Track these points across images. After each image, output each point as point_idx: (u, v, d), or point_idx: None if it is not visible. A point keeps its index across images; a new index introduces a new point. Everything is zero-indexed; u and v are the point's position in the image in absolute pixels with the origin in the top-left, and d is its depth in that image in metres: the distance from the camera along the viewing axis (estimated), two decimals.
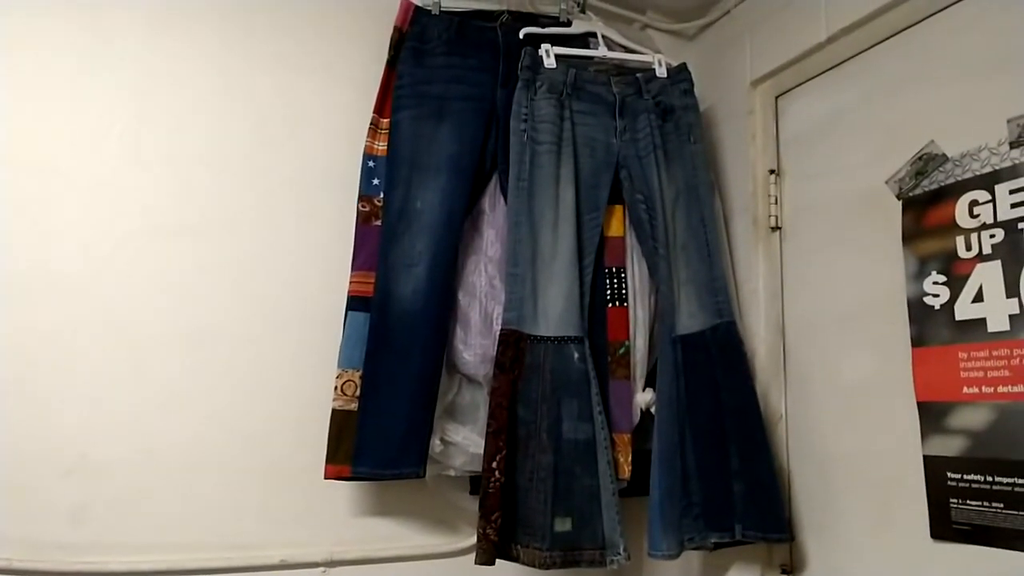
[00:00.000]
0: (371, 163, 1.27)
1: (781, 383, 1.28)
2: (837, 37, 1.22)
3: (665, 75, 1.38)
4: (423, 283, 1.20)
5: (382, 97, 1.30)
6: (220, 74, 1.26)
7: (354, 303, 1.20)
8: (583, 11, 1.46)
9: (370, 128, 1.28)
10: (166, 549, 1.08)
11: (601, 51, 1.38)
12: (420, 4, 1.34)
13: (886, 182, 1.11)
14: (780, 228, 1.33)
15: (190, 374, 1.16)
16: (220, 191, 1.23)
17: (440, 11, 1.35)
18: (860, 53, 1.20)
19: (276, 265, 1.25)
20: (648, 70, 1.38)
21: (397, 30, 1.32)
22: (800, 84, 1.32)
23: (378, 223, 1.24)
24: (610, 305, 1.25)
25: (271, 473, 1.17)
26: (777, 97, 1.38)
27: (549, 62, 1.31)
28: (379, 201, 1.25)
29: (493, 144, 1.29)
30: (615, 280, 1.26)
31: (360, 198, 1.25)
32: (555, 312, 1.18)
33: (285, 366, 1.22)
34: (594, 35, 1.41)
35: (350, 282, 1.21)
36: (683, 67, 1.38)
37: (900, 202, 1.09)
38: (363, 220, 1.25)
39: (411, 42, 1.32)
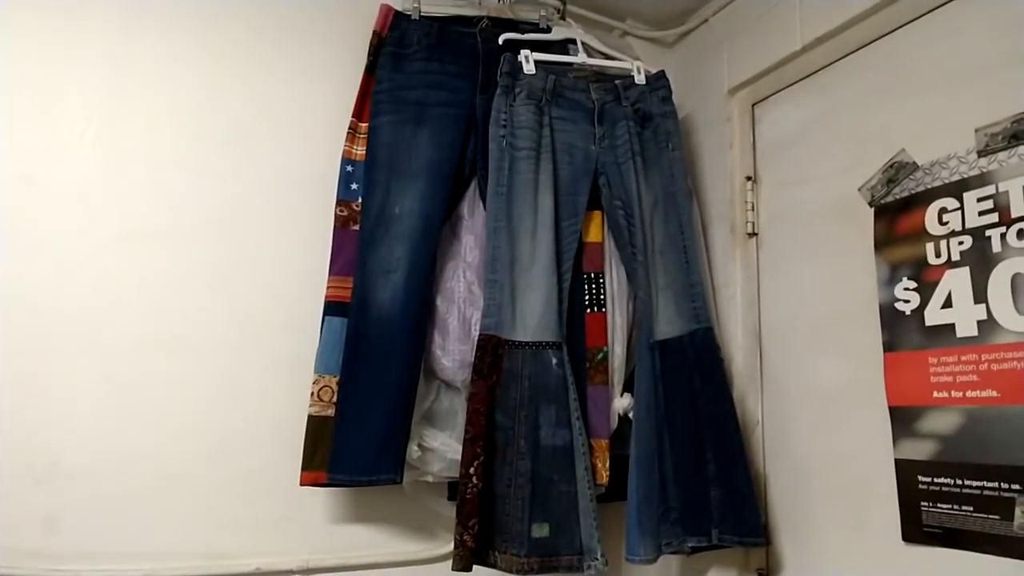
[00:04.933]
0: (349, 168, 1.27)
1: (758, 389, 1.30)
2: (812, 46, 1.24)
3: (644, 82, 1.39)
4: (401, 289, 1.19)
5: (360, 102, 1.30)
6: (196, 78, 1.25)
7: (331, 308, 1.19)
8: (563, 18, 1.47)
9: (348, 133, 1.28)
10: (140, 557, 1.07)
11: (581, 57, 1.38)
12: (400, 9, 1.34)
13: (859, 189, 1.13)
14: (757, 234, 1.34)
15: (165, 380, 1.14)
16: (196, 195, 1.22)
17: (420, 16, 1.35)
18: (834, 63, 1.22)
19: (252, 270, 1.24)
20: (627, 77, 1.39)
21: (376, 35, 1.32)
22: (776, 92, 1.34)
23: (356, 228, 1.23)
24: (588, 311, 1.25)
25: (247, 480, 1.16)
26: (754, 105, 1.39)
27: (528, 68, 1.31)
28: (357, 206, 1.25)
29: (472, 150, 1.30)
30: (593, 286, 1.26)
31: (338, 203, 1.25)
32: (533, 318, 1.18)
33: (261, 372, 1.21)
34: (574, 42, 1.41)
35: (327, 287, 1.20)
36: (661, 74, 1.40)
37: (872, 209, 1.10)
38: (341, 225, 1.24)
39: (390, 47, 1.32)
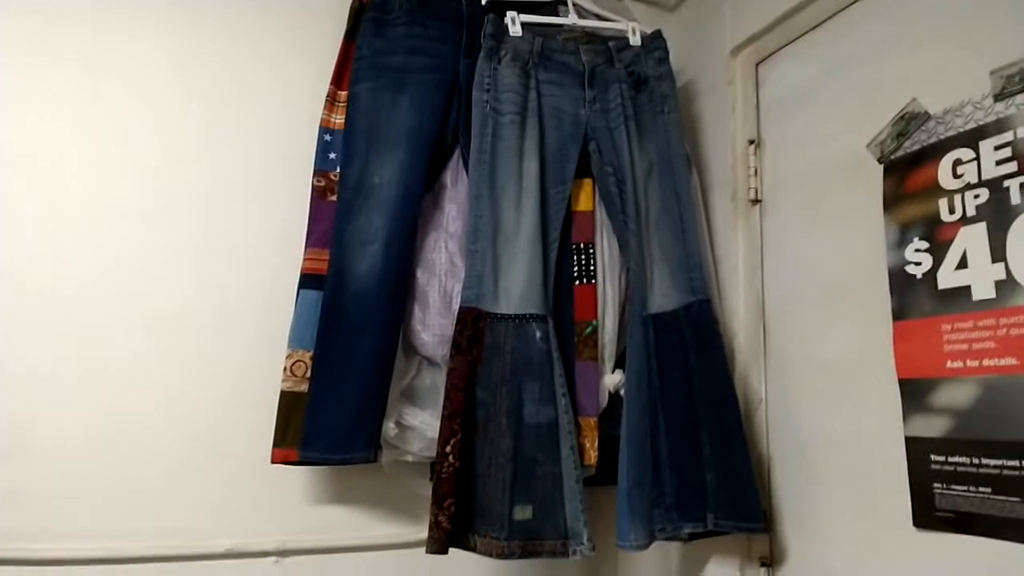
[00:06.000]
0: (327, 137, 1.22)
1: (761, 366, 1.21)
2: None
3: (639, 43, 1.31)
4: (379, 260, 1.14)
5: (339, 69, 1.25)
6: (172, 49, 1.22)
7: (307, 281, 1.15)
8: None
9: (327, 101, 1.23)
10: (106, 536, 1.04)
11: (571, 19, 1.31)
12: None
13: (867, 146, 1.04)
14: (760, 201, 1.26)
15: (136, 356, 1.11)
16: (171, 170, 1.19)
17: None
18: (841, 11, 1.13)
19: (230, 245, 1.20)
20: (621, 38, 1.32)
21: (357, 1, 1.27)
22: (781, 48, 1.25)
23: (334, 199, 1.19)
24: (577, 283, 1.18)
25: (222, 458, 1.13)
26: (757, 64, 1.31)
27: (514, 30, 1.25)
28: (335, 176, 1.20)
29: (455, 117, 1.24)
30: (583, 257, 1.20)
31: (315, 173, 1.20)
32: (517, 290, 1.12)
33: (238, 348, 1.17)
34: (564, 2, 1.34)
35: (304, 260, 1.16)
36: (657, 34, 1.32)
37: (881, 167, 1.01)
38: (318, 196, 1.19)
39: (372, 12, 1.27)
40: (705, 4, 1.43)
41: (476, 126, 1.18)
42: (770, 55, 1.28)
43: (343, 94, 1.24)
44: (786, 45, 1.24)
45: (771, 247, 1.23)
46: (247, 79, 1.26)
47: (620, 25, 1.34)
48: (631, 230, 1.19)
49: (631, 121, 1.24)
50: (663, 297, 1.19)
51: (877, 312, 0.98)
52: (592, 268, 1.19)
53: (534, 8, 1.31)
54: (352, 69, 1.24)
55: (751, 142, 1.27)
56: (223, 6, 1.26)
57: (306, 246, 1.17)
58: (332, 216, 1.17)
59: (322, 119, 1.23)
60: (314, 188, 1.20)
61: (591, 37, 1.31)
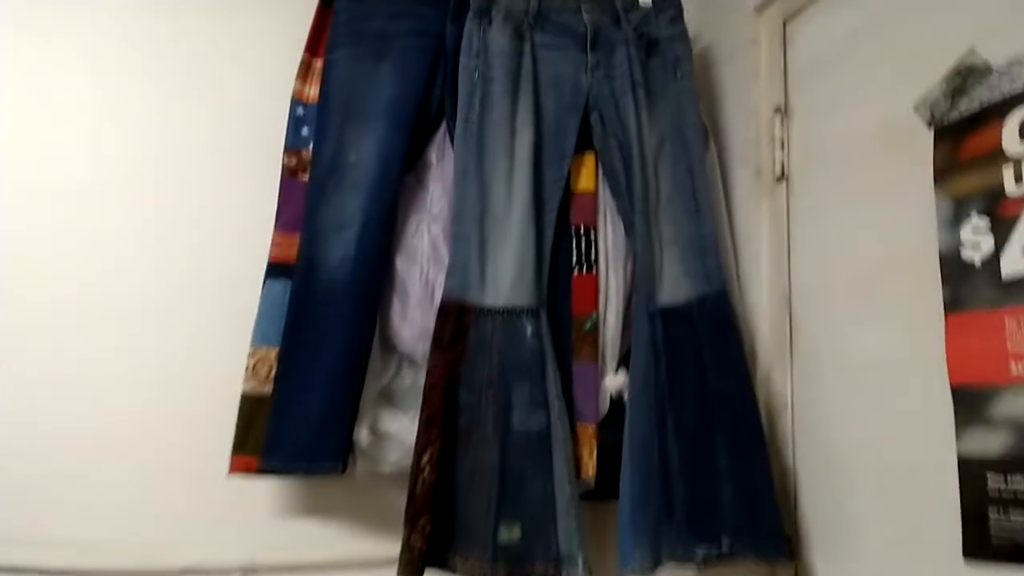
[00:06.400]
0: (300, 110, 1.11)
1: (787, 365, 1.06)
2: None
3: (649, 3, 1.17)
4: (354, 247, 1.02)
5: (315, 35, 1.13)
6: (136, 12, 1.11)
7: (274, 270, 1.03)
8: None
9: (300, 70, 1.12)
10: (47, 545, 0.94)
11: None
12: None
13: (915, 108, 0.88)
14: (787, 178, 1.10)
15: (89, 355, 1.02)
16: (129, 144, 1.09)
17: None
18: None
19: (193, 229, 1.10)
20: None
21: None
22: (813, 2, 1.09)
23: (306, 178, 1.07)
24: (576, 272, 1.05)
25: (184, 466, 1.03)
26: (786, 22, 1.15)
27: None
28: (307, 153, 1.09)
29: (441, 86, 1.11)
30: (583, 242, 1.06)
31: (286, 150, 1.09)
32: (506, 279, 0.99)
33: (203, 344, 1.07)
34: None
35: (271, 246, 1.05)
36: None
37: (932, 132, 0.85)
38: (288, 175, 1.08)
39: None
40: None
41: (463, 95, 1.06)
42: (800, 10, 1.12)
43: (318, 63, 1.13)
44: (815, 2, 1.08)
45: (800, 229, 1.08)
46: (215, 39, 1.15)
47: None
48: (638, 211, 1.05)
49: (640, 88, 1.10)
50: (674, 287, 1.05)
51: (926, 304, 0.83)
52: (593, 255, 1.06)
53: None
54: (329, 35, 1.12)
55: (777, 110, 1.12)
56: None
57: (274, 231, 1.05)
58: (303, 198, 1.06)
59: (295, 90, 1.11)
60: (284, 166, 1.08)
61: None
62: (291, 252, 1.03)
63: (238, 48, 1.17)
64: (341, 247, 1.03)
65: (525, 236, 1.01)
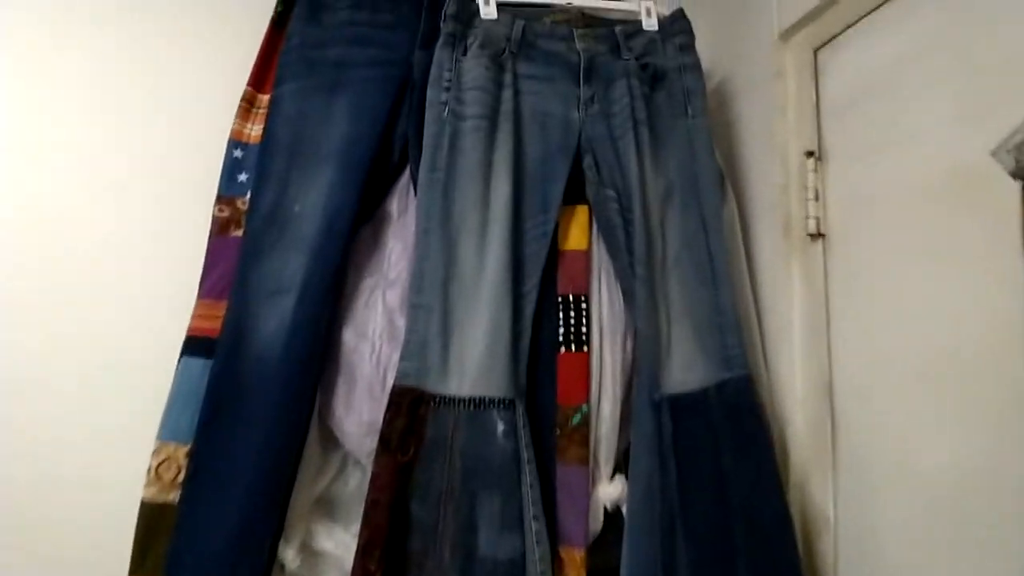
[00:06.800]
0: (238, 152, 0.94)
1: (828, 472, 0.85)
2: None
3: (655, 28, 0.99)
4: (290, 317, 0.84)
5: (261, 66, 0.97)
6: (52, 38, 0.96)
7: (193, 346, 0.85)
8: None
9: (241, 107, 0.96)
10: None
11: None
12: None
13: (992, 153, 0.68)
14: (824, 235, 0.90)
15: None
16: (43, 190, 0.92)
17: None
18: None
19: (109, 293, 0.93)
20: (631, 22, 1.00)
21: None
22: (851, 26, 0.91)
23: (239, 233, 0.90)
24: (563, 350, 0.85)
25: None
26: (817, 51, 0.97)
27: (487, 11, 0.95)
28: (243, 203, 0.91)
29: (405, 123, 0.94)
30: (571, 313, 0.87)
31: (218, 199, 0.92)
32: (474, 361, 0.80)
33: (108, 435, 0.88)
34: None
35: (192, 316, 0.86)
36: (679, 14, 1.00)
37: (1019, 182, 0.66)
38: (219, 229, 0.91)
39: None
40: None
41: (430, 135, 0.88)
42: (833, 38, 0.94)
43: (264, 98, 0.96)
44: (856, 22, 0.90)
45: (841, 298, 0.88)
46: (151, 70, 1.00)
47: (630, 5, 1.02)
48: (640, 276, 0.85)
49: (642, 127, 0.92)
50: (684, 370, 0.85)
51: (1015, 399, 0.62)
52: (584, 329, 0.86)
53: None
54: (278, 65, 0.96)
55: (809, 154, 0.93)
56: None
57: (197, 296, 0.87)
58: (235, 257, 0.88)
59: (233, 130, 0.95)
60: (215, 220, 0.91)
61: (591, 19, 1.00)
62: (215, 323, 0.85)
63: (183, 81, 1.01)
64: (276, 316, 0.84)
65: (499, 306, 0.81)
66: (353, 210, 0.88)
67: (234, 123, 0.94)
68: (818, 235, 0.90)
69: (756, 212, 0.98)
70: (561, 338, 0.85)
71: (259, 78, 0.97)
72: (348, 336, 0.86)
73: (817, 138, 0.93)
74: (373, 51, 0.96)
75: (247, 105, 0.96)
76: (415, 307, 0.82)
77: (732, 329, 0.85)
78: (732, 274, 0.89)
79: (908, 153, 0.80)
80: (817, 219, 0.90)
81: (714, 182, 0.92)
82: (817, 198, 0.90)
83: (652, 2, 1.02)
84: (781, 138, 0.96)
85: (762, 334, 0.91)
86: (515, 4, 0.97)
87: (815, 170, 0.91)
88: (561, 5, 0.99)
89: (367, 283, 0.88)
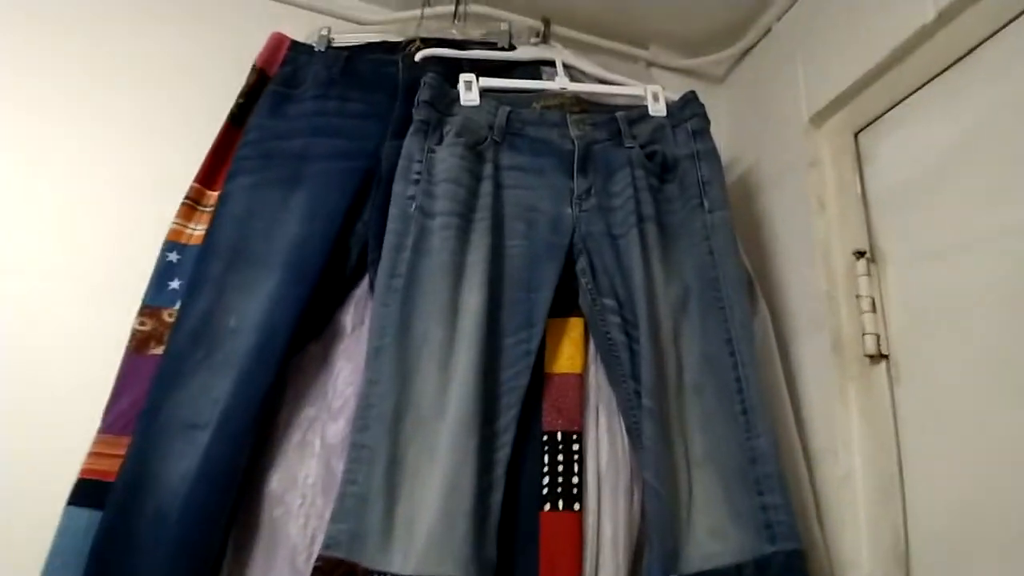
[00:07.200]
0: (174, 256, 0.80)
1: None
2: (955, 12, 0.67)
3: (663, 113, 0.86)
4: (200, 461, 0.66)
5: (213, 162, 0.85)
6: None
7: (80, 493, 0.67)
8: (545, 42, 1.00)
9: (184, 204, 0.83)
10: None
11: (559, 83, 0.88)
12: (304, 40, 0.94)
13: None
14: (887, 356, 0.71)
15: None
16: None
17: (328, 48, 0.93)
18: (1002, 28, 0.63)
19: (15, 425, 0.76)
20: (635, 107, 0.87)
21: (258, 72, 0.90)
22: (898, 103, 0.76)
23: (160, 351, 0.74)
24: (548, 507, 0.65)
25: None
26: (858, 134, 0.81)
27: (469, 97, 0.83)
28: (171, 315, 0.76)
29: (366, 222, 0.80)
30: (561, 457, 0.67)
31: (141, 310, 0.77)
32: (426, 527, 0.60)
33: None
34: (550, 64, 0.93)
35: (87, 454, 0.69)
36: (691, 98, 0.86)
37: None
38: (136, 346, 0.75)
39: (275, 85, 0.89)
40: (766, 62, 0.99)
41: (392, 233, 0.74)
42: (876, 119, 0.79)
43: (213, 195, 0.84)
44: (908, 97, 0.75)
45: (916, 437, 0.67)
46: (89, 168, 0.88)
47: (633, 89, 0.90)
48: (649, 409, 0.66)
49: (649, 223, 0.76)
50: (711, 539, 0.63)
51: None
52: (577, 480, 0.66)
53: (500, 71, 0.90)
54: (233, 159, 0.85)
55: (859, 255, 0.75)
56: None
57: (97, 431, 0.71)
58: (149, 380, 0.72)
59: (171, 230, 0.81)
60: (133, 334, 0.76)
61: (588, 104, 0.87)
62: (115, 465, 0.68)
63: (130, 177, 0.90)
64: (188, 457, 0.67)
65: (463, 452, 0.63)
66: (292, 325, 0.72)
67: (173, 223, 0.82)
68: (879, 356, 0.70)
69: (795, 326, 0.79)
70: (545, 491, 0.65)
71: (209, 174, 0.85)
72: (274, 484, 0.67)
73: (867, 236, 0.76)
74: (339, 142, 0.85)
75: (191, 203, 0.83)
76: (357, 449, 0.63)
77: (774, 483, 0.64)
78: (772, 405, 0.69)
79: (991, 251, 0.62)
80: (877, 336, 0.71)
81: (740, 287, 0.74)
82: (874, 309, 0.72)
83: (658, 87, 0.89)
84: (822, 235, 0.79)
85: (814, 489, 0.69)
86: (501, 90, 0.86)
87: (868, 274, 0.73)
88: (554, 90, 0.87)
89: (305, 415, 0.71)
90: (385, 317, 0.69)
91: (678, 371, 0.70)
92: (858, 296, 0.73)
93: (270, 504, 0.66)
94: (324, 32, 0.95)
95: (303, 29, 0.96)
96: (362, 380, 0.67)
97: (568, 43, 1.01)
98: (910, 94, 0.75)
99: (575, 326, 0.73)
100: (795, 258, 0.83)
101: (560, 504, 0.65)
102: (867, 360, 0.71)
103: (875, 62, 0.76)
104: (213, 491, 0.65)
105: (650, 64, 1.10)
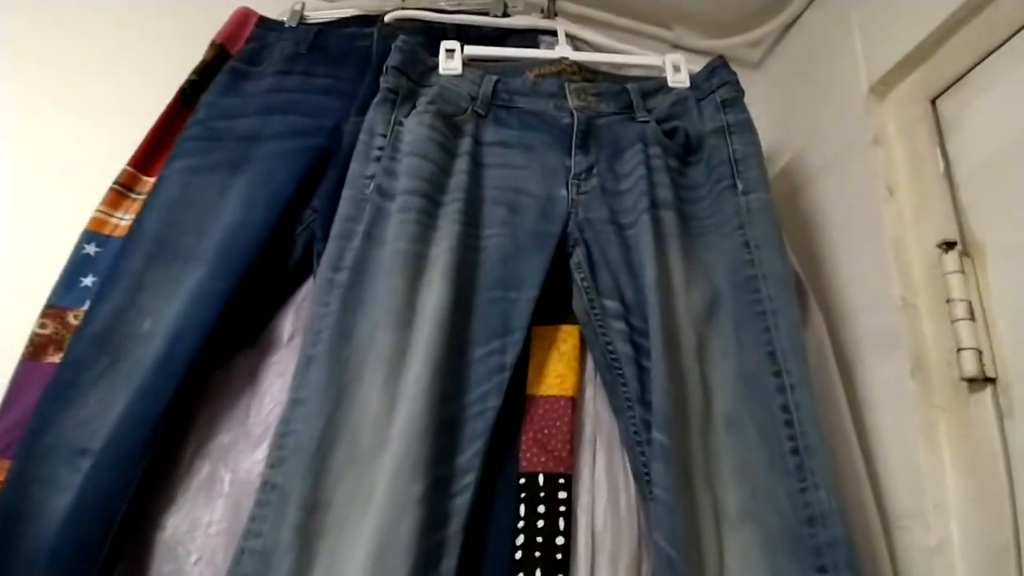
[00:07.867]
0: (91, 249, 0.67)
1: None
2: None
3: (685, 84, 0.70)
4: (75, 493, 0.51)
5: (151, 144, 0.73)
6: None
7: None
8: (550, 18, 0.86)
9: (113, 190, 0.70)
10: None
11: (559, 51, 0.74)
12: (275, 16, 0.83)
13: None
14: (994, 379, 0.52)
15: None
16: None
17: (300, 23, 0.82)
18: None
19: None
20: (650, 79, 0.72)
21: (217, 48, 0.79)
22: (985, 58, 0.59)
23: (57, 359, 0.60)
24: None
25: None
26: (935, 100, 0.64)
27: (449, 66, 0.69)
28: (77, 318, 0.63)
29: (314, 209, 0.66)
30: (542, 509, 0.50)
31: (44, 311, 0.64)
32: None
33: None
34: (551, 33, 0.79)
35: None
36: (720, 65, 0.70)
37: None
38: (32, 353, 0.62)
39: (235, 63, 0.78)
40: (813, 33, 0.82)
41: (340, 219, 0.59)
42: (959, 79, 0.62)
43: (148, 182, 0.71)
44: (995, 50, 0.58)
45: None
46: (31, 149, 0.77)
47: (649, 59, 0.75)
48: (663, 447, 0.49)
49: (666, 210, 0.60)
50: None
51: None
52: (562, 541, 0.48)
53: (494, 40, 0.77)
54: (177, 140, 0.72)
55: (948, 246, 0.57)
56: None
57: None
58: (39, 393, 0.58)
59: (92, 219, 0.69)
60: (31, 340, 0.62)
61: (592, 73, 0.72)
62: None
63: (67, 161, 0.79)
64: (74, 488, 0.52)
65: (402, 498, 0.46)
66: (207, 329, 0.57)
67: (96, 211, 0.69)
68: (983, 379, 0.51)
69: (860, 345, 0.61)
70: (519, 555, 0.48)
71: (146, 157, 0.72)
72: (168, 532, 0.52)
73: (956, 223, 0.58)
74: (294, 119, 0.72)
75: (121, 189, 0.70)
76: (266, 489, 0.48)
77: (840, 555, 0.45)
78: (832, 444, 0.51)
79: None
80: (978, 352, 0.52)
81: (786, 288, 0.56)
82: (972, 316, 0.53)
83: (681, 56, 0.74)
84: (892, 227, 0.61)
85: (895, 566, 0.50)
86: (490, 59, 0.72)
87: (961, 270, 0.55)
88: (551, 59, 0.73)
89: (218, 443, 0.55)
90: (322, 319, 0.54)
91: (704, 397, 0.53)
92: (948, 301, 0.54)
93: (160, 558, 0.51)
94: (297, 7, 0.84)
95: (278, 7, 0.85)
96: (286, 400, 0.52)
97: (578, 22, 0.87)
98: (1000, 44, 0.58)
99: (567, 336, 0.57)
100: (856, 259, 0.65)
101: (537, 572, 0.47)
102: (964, 385, 0.52)
103: (951, 10, 0.59)
104: (86, 534, 0.50)
105: (675, 47, 0.95)
